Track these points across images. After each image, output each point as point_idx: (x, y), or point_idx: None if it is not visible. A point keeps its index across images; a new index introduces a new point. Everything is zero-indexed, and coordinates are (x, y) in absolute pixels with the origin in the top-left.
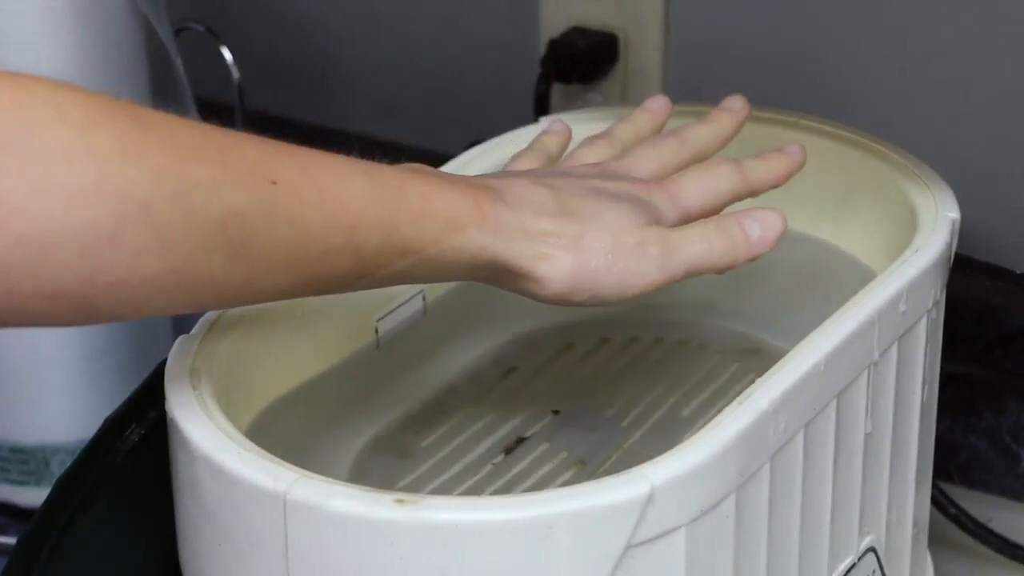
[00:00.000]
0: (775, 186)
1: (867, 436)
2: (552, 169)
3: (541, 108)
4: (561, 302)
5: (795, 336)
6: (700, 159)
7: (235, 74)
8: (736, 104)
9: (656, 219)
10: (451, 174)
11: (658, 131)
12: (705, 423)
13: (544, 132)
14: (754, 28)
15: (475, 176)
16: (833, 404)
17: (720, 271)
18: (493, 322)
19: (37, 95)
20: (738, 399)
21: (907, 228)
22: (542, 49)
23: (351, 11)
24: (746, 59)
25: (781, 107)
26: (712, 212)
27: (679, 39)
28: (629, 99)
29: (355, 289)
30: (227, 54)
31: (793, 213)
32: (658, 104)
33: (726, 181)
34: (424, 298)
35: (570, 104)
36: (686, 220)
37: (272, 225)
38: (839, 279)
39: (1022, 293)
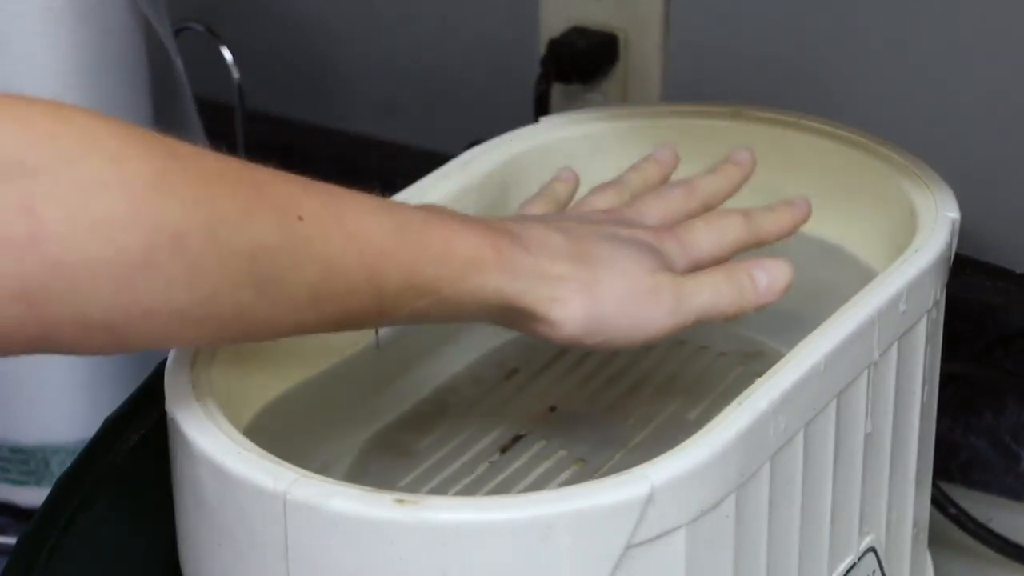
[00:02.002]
0: (781, 238)
1: (867, 436)
2: (566, 214)
3: (541, 108)
4: (573, 345)
5: (793, 335)
6: (708, 208)
7: (235, 74)
8: (743, 157)
9: (667, 265)
10: (470, 216)
11: (665, 180)
12: (705, 423)
13: (553, 179)
14: (754, 28)
15: (492, 219)
16: (833, 404)
17: (729, 319)
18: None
19: (73, 124)
20: (738, 399)
21: (907, 228)
22: (542, 49)
23: (351, 11)
24: (746, 59)
25: (781, 107)
26: (721, 260)
27: (679, 39)
28: (629, 99)
29: (373, 327)
30: (227, 54)
31: None
32: (666, 155)
33: (734, 231)
34: None
35: (570, 104)
36: (696, 267)
37: (298, 260)
38: (839, 279)
39: (1022, 293)
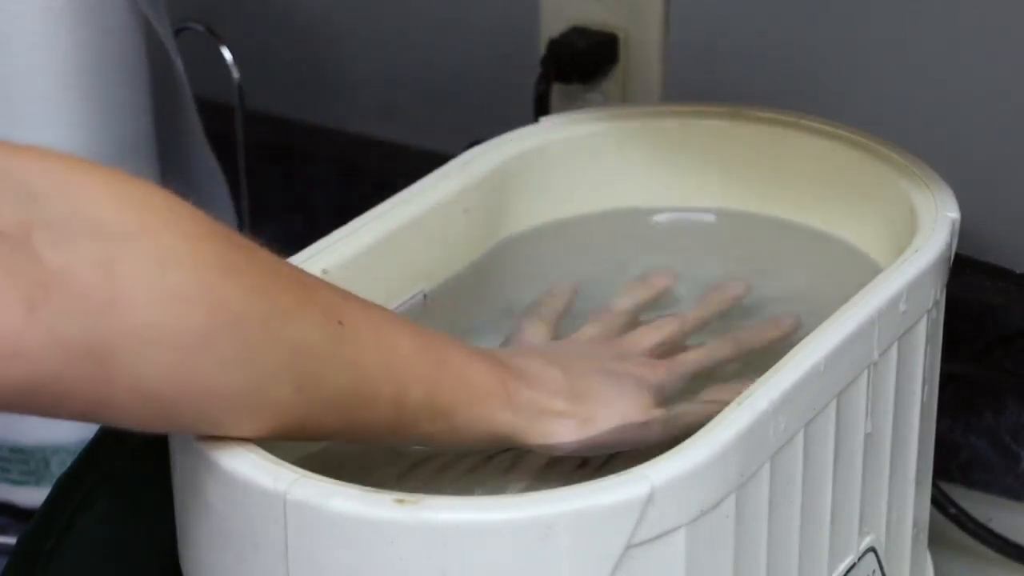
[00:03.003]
0: (766, 344)
1: (867, 436)
2: (563, 345)
3: (541, 108)
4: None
5: (792, 335)
6: (696, 332)
7: (235, 74)
8: (737, 288)
9: (660, 397)
10: (477, 347)
11: (656, 300)
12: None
13: (548, 293)
14: (754, 28)
15: (494, 351)
16: (833, 404)
17: None
18: (493, 321)
19: (155, 199)
20: (738, 399)
21: (907, 228)
22: (542, 49)
23: (351, 11)
24: (746, 59)
25: (781, 107)
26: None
27: (679, 39)
28: (629, 99)
29: (382, 444)
30: (227, 54)
31: (793, 213)
32: (661, 279)
33: (723, 353)
34: (425, 296)
35: (570, 104)
36: (687, 383)
37: (334, 362)
38: (839, 279)
39: (1022, 293)
